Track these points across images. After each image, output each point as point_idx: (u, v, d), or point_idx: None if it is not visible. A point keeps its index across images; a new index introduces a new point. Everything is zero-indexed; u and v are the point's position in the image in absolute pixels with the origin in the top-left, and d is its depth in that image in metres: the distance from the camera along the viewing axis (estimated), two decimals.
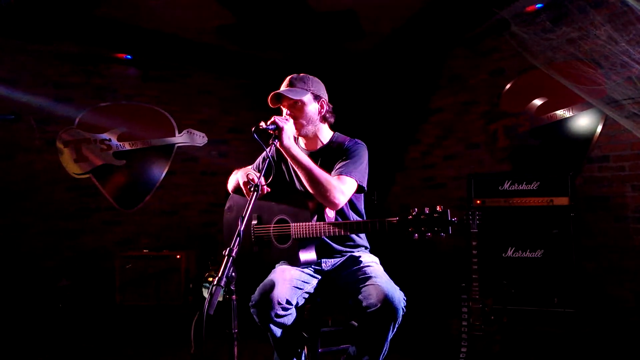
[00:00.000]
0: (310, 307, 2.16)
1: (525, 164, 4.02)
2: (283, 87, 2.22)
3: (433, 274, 4.51)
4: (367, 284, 1.96)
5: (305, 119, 2.18)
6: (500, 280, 3.26)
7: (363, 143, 2.25)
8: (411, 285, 4.38)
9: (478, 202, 3.48)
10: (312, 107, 2.17)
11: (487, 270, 3.26)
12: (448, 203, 4.53)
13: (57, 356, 3.39)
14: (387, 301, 1.85)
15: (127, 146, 5.05)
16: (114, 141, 5.02)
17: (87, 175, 4.96)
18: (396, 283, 2.03)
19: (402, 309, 1.91)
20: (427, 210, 1.70)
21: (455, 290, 3.17)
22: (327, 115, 2.25)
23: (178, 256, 4.45)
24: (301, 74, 2.23)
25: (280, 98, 2.18)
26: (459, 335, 3.01)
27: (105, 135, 5.00)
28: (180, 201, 5.24)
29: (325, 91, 2.29)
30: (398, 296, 1.91)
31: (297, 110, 2.16)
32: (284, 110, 2.20)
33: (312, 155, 2.25)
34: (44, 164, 4.86)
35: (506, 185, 3.43)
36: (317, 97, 2.21)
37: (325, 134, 2.30)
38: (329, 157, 2.21)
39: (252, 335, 2.08)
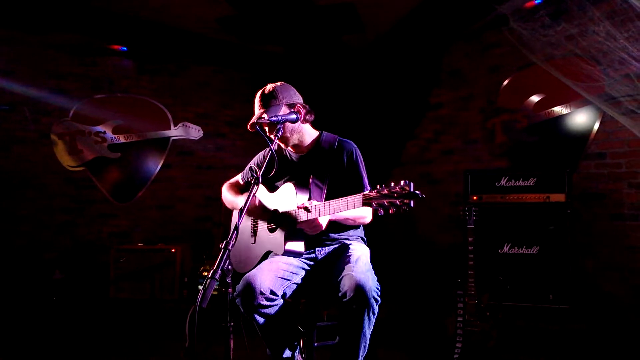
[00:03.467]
0: (306, 301, 2.15)
1: (523, 160, 4.02)
2: (256, 107, 2.21)
3: (429, 270, 4.51)
4: (344, 274, 1.97)
5: (288, 132, 2.19)
6: (496, 276, 3.26)
7: (352, 142, 2.29)
8: (407, 281, 4.41)
9: (475, 198, 3.47)
10: (291, 118, 2.15)
11: (483, 266, 3.25)
12: (445, 199, 4.55)
13: (50, 350, 3.36)
14: (358, 289, 1.86)
15: (122, 139, 5.01)
16: (109, 134, 4.98)
17: (81, 168, 4.92)
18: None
19: (375, 298, 1.90)
20: (391, 184, 1.67)
21: (451, 286, 3.16)
22: (307, 116, 2.24)
23: (173, 250, 4.43)
24: (269, 88, 2.21)
25: (263, 124, 2.16)
26: (454, 331, 3.02)
27: (100, 128, 4.96)
28: (176, 195, 5.22)
29: (296, 92, 2.27)
30: (370, 285, 1.90)
31: (280, 129, 2.13)
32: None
33: (303, 158, 2.29)
34: (38, 155, 4.82)
35: (503, 182, 3.43)
36: (291, 105, 2.20)
37: (310, 134, 2.31)
38: (322, 159, 2.24)
39: (250, 329, 2.06)
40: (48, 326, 3.89)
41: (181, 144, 5.21)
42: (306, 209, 1.92)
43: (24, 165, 4.78)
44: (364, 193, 1.76)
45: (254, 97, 2.24)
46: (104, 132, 4.96)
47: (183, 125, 5.17)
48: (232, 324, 1.62)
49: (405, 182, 1.64)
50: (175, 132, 5.17)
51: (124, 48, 4.98)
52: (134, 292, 4.35)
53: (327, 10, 4.05)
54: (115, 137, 4.99)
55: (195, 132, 5.19)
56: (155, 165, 5.15)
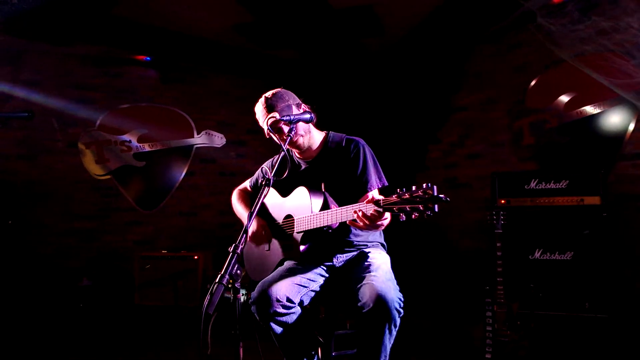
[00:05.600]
0: (326, 309, 2.08)
1: (552, 162, 3.86)
2: (262, 114, 2.13)
3: (455, 277, 4.37)
4: (363, 282, 1.87)
5: (301, 133, 2.13)
6: (527, 284, 3.11)
7: (360, 139, 2.18)
8: (432, 288, 4.27)
9: (502, 201, 3.34)
10: (305, 117, 2.09)
11: (513, 272, 3.12)
12: (472, 204, 4.41)
13: (77, 356, 3.40)
14: (379, 301, 1.76)
15: (147, 147, 5.09)
16: (134, 142, 5.06)
17: (108, 176, 5.02)
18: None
19: (397, 310, 1.80)
20: (413, 188, 1.56)
21: (479, 293, 3.03)
22: (313, 116, 2.16)
23: (196, 257, 4.44)
24: (271, 92, 2.15)
25: (276, 124, 2.09)
26: (482, 341, 2.88)
27: (126, 137, 5.05)
28: (199, 202, 5.24)
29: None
30: (392, 296, 1.79)
31: (293, 129, 2.07)
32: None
33: (312, 163, 2.21)
34: (65, 164, 4.93)
35: (532, 184, 3.28)
36: (298, 105, 2.14)
37: (318, 135, 2.23)
38: (331, 161, 2.16)
39: (265, 336, 2.01)
40: (75, 332, 3.95)
41: (204, 152, 5.25)
42: (377, 203, 1.67)
43: (50, 174, 4.89)
44: (384, 198, 1.65)
45: (255, 108, 2.17)
46: (130, 141, 5.05)
47: (206, 133, 5.21)
48: (241, 331, 1.57)
49: (427, 185, 1.54)
50: (198, 140, 5.22)
51: (148, 58, 5.06)
52: (159, 299, 4.37)
53: (345, 13, 4.01)
54: (140, 146, 5.07)
55: (218, 139, 5.23)
56: (179, 173, 5.20)
